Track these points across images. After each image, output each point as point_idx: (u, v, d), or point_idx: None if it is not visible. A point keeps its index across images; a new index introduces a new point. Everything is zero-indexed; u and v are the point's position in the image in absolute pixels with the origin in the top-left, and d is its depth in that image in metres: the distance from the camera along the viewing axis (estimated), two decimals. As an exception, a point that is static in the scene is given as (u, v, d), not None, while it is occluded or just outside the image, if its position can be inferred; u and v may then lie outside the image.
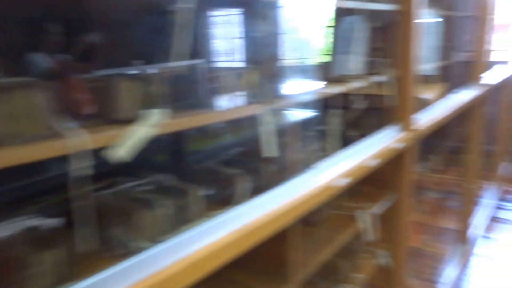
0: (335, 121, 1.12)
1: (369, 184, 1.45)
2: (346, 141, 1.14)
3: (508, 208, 2.99)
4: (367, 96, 1.28)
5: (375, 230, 1.30)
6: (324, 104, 1.24)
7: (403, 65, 1.26)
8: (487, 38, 2.32)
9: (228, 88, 0.81)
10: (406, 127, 1.30)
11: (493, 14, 3.58)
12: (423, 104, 1.98)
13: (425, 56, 2.36)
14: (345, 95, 1.26)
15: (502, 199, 3.10)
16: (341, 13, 2.48)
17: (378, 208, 1.33)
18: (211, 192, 0.78)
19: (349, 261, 1.30)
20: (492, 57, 3.40)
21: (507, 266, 2.29)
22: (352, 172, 0.99)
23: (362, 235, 1.24)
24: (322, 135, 1.06)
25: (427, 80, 2.31)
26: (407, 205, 1.41)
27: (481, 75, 2.20)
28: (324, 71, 1.43)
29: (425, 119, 1.42)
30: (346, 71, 1.40)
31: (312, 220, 1.15)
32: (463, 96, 1.89)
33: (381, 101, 1.28)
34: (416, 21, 1.22)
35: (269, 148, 0.76)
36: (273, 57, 1.12)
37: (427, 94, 2.09)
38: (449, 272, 2.17)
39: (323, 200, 0.84)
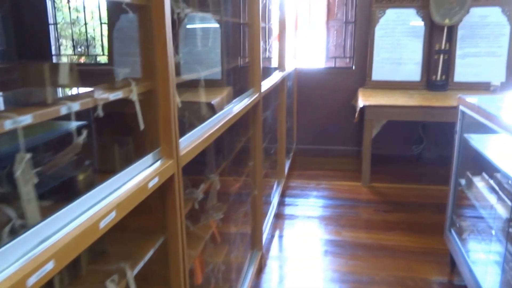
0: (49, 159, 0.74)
1: (130, 231, 1.12)
2: (73, 189, 0.77)
3: (289, 203, 3.21)
4: (114, 116, 0.93)
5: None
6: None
7: (158, 74, 0.97)
8: (262, 45, 2.33)
9: None
10: (166, 153, 1.02)
11: (271, 23, 3.85)
12: (208, 110, 1.79)
13: (208, 61, 2.20)
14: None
15: (284, 195, 3.33)
16: (116, 9, 2.07)
17: (140, 261, 1.02)
18: None
19: None
20: (273, 64, 3.64)
21: (295, 262, 2.39)
22: (63, 250, 0.64)
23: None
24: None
25: (211, 84, 2.18)
26: (180, 244, 1.14)
27: (259, 80, 2.17)
28: (103, 75, 1.04)
29: (192, 139, 1.18)
30: (123, 76, 1.02)
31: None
32: (239, 106, 1.77)
33: (134, 123, 0.96)
34: (167, 17, 0.94)
35: None
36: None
37: (211, 99, 1.93)
38: (246, 282, 2.09)
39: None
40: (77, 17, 3.52)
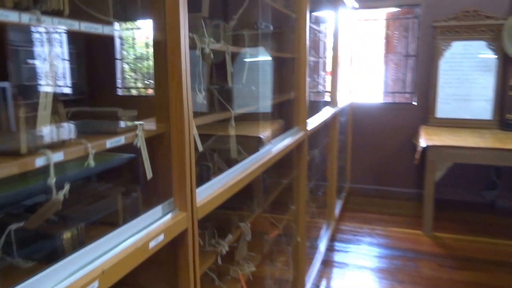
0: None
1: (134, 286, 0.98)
2: (54, 251, 0.66)
3: (339, 249, 2.93)
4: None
5: None
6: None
7: (172, 115, 0.86)
8: (315, 79, 2.20)
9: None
10: (180, 204, 0.89)
11: (324, 57, 3.72)
12: (258, 144, 1.66)
13: (260, 94, 2.11)
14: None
15: (334, 239, 3.05)
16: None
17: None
18: None
19: None
20: (325, 98, 3.48)
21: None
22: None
23: None
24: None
25: (262, 117, 2.07)
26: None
27: (304, 118, 2.02)
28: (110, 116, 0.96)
29: (216, 187, 1.05)
30: (128, 119, 0.94)
31: None
32: (279, 146, 1.61)
33: (144, 168, 0.84)
34: (184, 52, 0.84)
35: None
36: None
37: (261, 132, 1.81)
38: None
39: None
40: (147, 52, 3.74)
